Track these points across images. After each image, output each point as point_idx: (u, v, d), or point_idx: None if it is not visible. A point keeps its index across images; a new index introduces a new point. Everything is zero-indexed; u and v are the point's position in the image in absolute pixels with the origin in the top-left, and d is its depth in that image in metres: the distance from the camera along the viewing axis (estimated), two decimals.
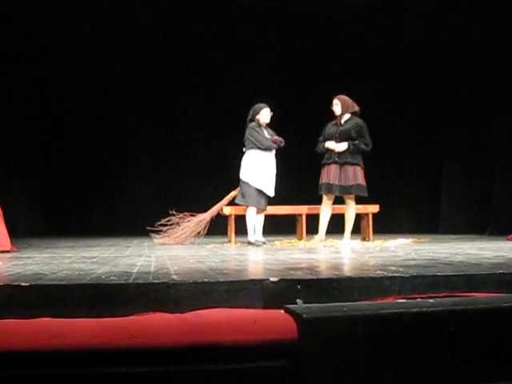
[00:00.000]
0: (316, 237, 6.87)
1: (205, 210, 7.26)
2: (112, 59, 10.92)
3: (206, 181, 10.51)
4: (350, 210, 6.84)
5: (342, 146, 6.69)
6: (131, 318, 2.36)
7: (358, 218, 7.72)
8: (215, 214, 7.24)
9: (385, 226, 9.12)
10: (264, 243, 6.68)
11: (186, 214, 7.18)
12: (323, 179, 6.80)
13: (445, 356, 2.24)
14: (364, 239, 7.55)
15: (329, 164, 6.76)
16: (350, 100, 6.87)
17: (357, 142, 6.65)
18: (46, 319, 2.28)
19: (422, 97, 10.47)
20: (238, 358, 2.15)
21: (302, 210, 7.66)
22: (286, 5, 10.50)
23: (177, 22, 10.76)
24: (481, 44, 9.02)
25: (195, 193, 10.18)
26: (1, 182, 5.88)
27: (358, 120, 6.79)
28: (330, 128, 6.86)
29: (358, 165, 6.69)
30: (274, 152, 6.83)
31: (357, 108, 6.85)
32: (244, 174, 6.76)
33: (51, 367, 2.08)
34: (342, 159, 6.68)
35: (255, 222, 6.83)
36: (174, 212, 7.10)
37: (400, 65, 10.82)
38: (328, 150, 6.77)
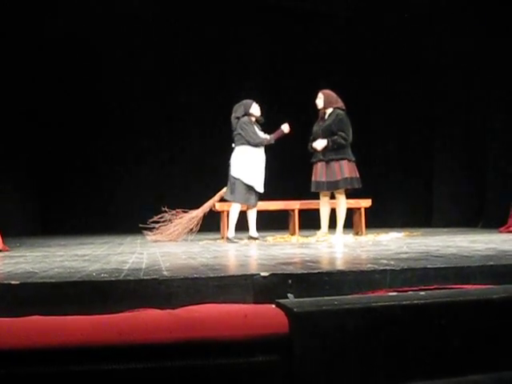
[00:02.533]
0: (318, 232, 6.88)
1: (197, 207, 7.26)
2: (109, 59, 10.92)
3: (198, 177, 10.51)
4: (340, 204, 6.85)
5: (321, 144, 6.72)
6: (122, 314, 2.35)
7: (351, 212, 7.75)
8: (207, 210, 7.24)
9: (377, 220, 9.14)
10: (257, 238, 6.69)
11: (178, 210, 7.18)
12: (312, 177, 6.87)
13: (436, 348, 2.25)
14: (357, 233, 7.57)
15: (315, 162, 6.83)
16: (334, 95, 6.88)
17: (335, 137, 6.67)
18: (36, 317, 2.27)
19: (415, 90, 10.48)
20: (229, 353, 2.15)
21: (295, 205, 7.67)
22: (283, 2, 10.52)
23: (175, 19, 10.77)
24: (477, 38, 9.03)
25: (187, 189, 10.17)
26: None
27: (339, 113, 6.78)
28: (316, 126, 6.90)
29: (343, 159, 6.70)
30: (263, 148, 6.82)
31: (341, 104, 6.86)
32: (235, 171, 6.72)
33: (42, 365, 2.07)
34: (326, 157, 6.72)
35: (251, 218, 6.84)
36: (167, 209, 7.10)
37: (392, 58, 10.83)
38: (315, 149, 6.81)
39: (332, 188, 6.77)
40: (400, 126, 10.93)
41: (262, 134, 6.80)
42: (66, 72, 10.88)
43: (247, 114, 6.79)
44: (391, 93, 10.99)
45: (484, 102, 9.15)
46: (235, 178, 6.71)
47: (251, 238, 6.78)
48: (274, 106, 10.79)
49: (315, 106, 6.91)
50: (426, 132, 10.52)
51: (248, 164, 6.68)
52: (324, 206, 6.95)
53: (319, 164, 6.79)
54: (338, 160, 6.69)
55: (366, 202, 7.78)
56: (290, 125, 6.85)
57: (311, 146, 6.85)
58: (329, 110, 6.83)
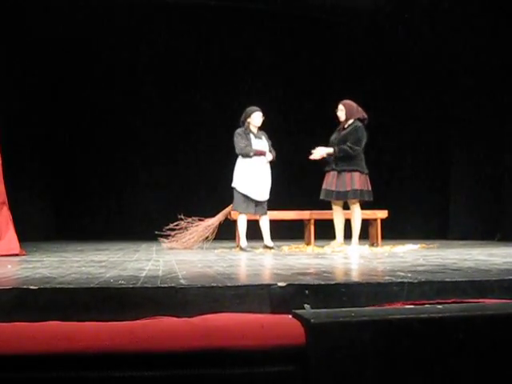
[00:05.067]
0: (332, 242, 6.88)
1: (213, 215, 7.27)
2: (122, 68, 11.00)
3: (214, 185, 10.52)
4: (355, 215, 6.83)
5: (326, 150, 6.75)
6: (139, 322, 2.36)
7: (367, 223, 7.73)
8: (223, 218, 7.25)
9: (393, 231, 9.10)
10: (272, 247, 6.70)
11: (194, 218, 7.19)
12: (323, 185, 6.89)
13: (453, 362, 2.23)
14: (372, 245, 7.53)
15: (328, 171, 6.86)
16: (355, 105, 6.88)
17: (343, 146, 6.67)
18: (54, 322, 2.28)
19: (431, 101, 10.45)
20: (245, 363, 2.15)
21: (311, 215, 7.65)
22: (285, 8, 10.52)
23: (181, 29, 10.84)
24: (492, 42, 8.98)
25: (203, 197, 10.19)
26: (10, 186, 5.91)
27: (357, 125, 6.78)
28: (334, 135, 6.91)
29: (355, 170, 6.70)
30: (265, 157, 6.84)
31: (361, 114, 6.85)
32: (233, 180, 6.82)
33: (59, 371, 2.08)
34: (339, 167, 6.74)
35: (263, 227, 6.86)
36: (183, 217, 7.12)
37: (407, 67, 10.80)
38: (326, 157, 6.81)
39: (341, 198, 6.79)
40: (417, 138, 10.89)
41: (255, 143, 6.81)
42: (80, 81, 10.98)
43: (244, 121, 6.82)
44: (408, 104, 10.97)
45: (502, 114, 9.08)
46: (232, 188, 6.81)
47: (266, 247, 6.79)
48: (289, 116, 10.85)
49: (337, 116, 6.92)
50: (443, 144, 10.47)
51: (245, 174, 6.74)
52: (337, 216, 6.95)
53: (331, 173, 6.82)
54: (350, 171, 6.70)
55: (382, 213, 7.74)
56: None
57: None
58: (350, 121, 6.84)
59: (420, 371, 2.22)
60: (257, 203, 6.78)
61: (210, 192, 10.38)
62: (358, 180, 6.67)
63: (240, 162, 6.81)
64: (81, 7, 9.64)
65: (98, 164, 11.24)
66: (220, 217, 7.24)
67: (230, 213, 7.24)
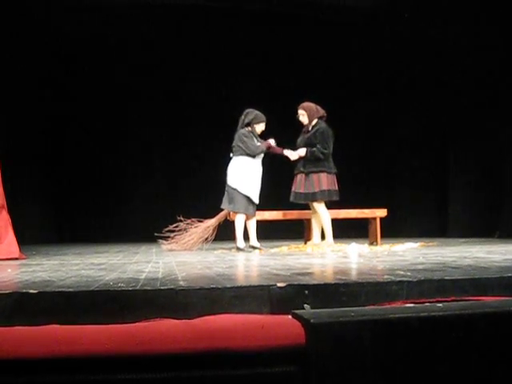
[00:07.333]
0: (309, 242, 7.05)
1: (212, 216, 7.26)
2: (120, 70, 11.02)
3: (213, 187, 10.51)
4: (322, 215, 6.89)
5: (299, 152, 6.85)
6: (139, 324, 2.36)
7: (366, 222, 7.74)
8: (223, 219, 7.24)
9: (393, 230, 9.10)
10: (260, 248, 6.70)
11: (193, 219, 7.19)
12: (292, 188, 7.03)
13: (453, 361, 2.23)
14: (372, 243, 7.54)
15: (296, 174, 6.98)
16: (313, 105, 6.98)
17: (314, 149, 6.75)
18: (54, 326, 2.28)
19: (429, 99, 10.45)
20: (245, 364, 2.15)
21: (309, 215, 7.63)
22: (280, 7, 10.53)
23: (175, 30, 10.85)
24: (490, 45, 8.99)
25: (203, 198, 10.19)
26: (9, 190, 5.91)
27: (321, 126, 6.87)
28: (300, 137, 7.03)
29: (322, 171, 6.79)
30: (261, 158, 6.86)
31: (322, 112, 6.94)
32: (232, 181, 6.80)
33: (59, 374, 2.08)
34: (306, 169, 6.87)
35: (251, 228, 6.88)
36: (182, 218, 7.11)
37: (403, 65, 10.80)
38: (295, 159, 6.91)
39: (309, 199, 6.89)
40: (416, 136, 10.90)
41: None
42: (79, 87, 11.01)
43: (249, 125, 6.82)
44: (405, 101, 10.97)
45: (501, 112, 9.09)
46: (232, 188, 6.79)
47: (252, 247, 6.79)
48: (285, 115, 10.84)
49: (300, 121, 6.99)
50: (442, 142, 10.48)
51: (245, 175, 6.75)
52: (315, 216, 7.04)
53: (299, 176, 6.95)
54: (317, 172, 6.81)
55: (381, 212, 7.74)
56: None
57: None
58: (313, 122, 6.93)
59: (420, 370, 2.22)
60: (254, 204, 6.81)
61: (209, 193, 10.36)
62: (325, 180, 6.76)
63: (240, 163, 6.78)
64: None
65: (96, 167, 11.25)
66: (219, 218, 7.23)
67: (229, 213, 7.23)
